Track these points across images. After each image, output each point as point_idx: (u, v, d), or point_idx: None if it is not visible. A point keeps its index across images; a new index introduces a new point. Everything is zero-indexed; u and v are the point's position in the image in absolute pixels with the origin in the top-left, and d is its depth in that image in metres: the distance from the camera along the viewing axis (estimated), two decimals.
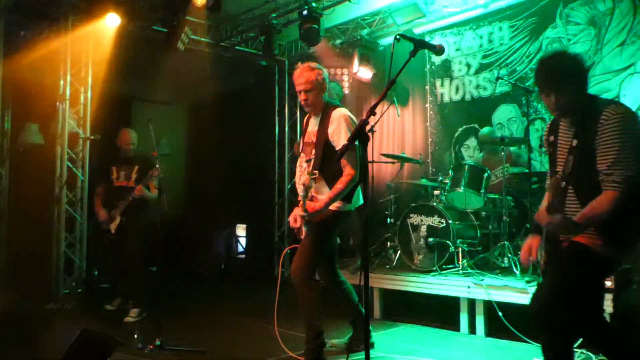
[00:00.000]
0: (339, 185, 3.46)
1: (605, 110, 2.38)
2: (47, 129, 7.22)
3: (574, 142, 2.46)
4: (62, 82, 6.33)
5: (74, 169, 6.38)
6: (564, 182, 2.46)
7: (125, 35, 6.59)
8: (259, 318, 5.06)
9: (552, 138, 2.65)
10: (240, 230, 9.10)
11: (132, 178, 5.43)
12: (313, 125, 3.75)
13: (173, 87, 9.73)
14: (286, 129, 8.41)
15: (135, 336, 4.02)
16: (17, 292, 5.97)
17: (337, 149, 3.46)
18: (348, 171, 3.48)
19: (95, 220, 5.71)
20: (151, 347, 3.79)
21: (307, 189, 3.44)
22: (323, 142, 3.56)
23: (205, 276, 8.01)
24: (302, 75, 3.63)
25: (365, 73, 7.13)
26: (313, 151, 3.62)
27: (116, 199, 5.42)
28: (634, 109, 5.29)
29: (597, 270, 2.50)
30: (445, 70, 6.95)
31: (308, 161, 3.66)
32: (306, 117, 3.90)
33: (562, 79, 2.46)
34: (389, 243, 5.91)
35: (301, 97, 3.66)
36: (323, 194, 3.56)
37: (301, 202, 3.49)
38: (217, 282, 7.61)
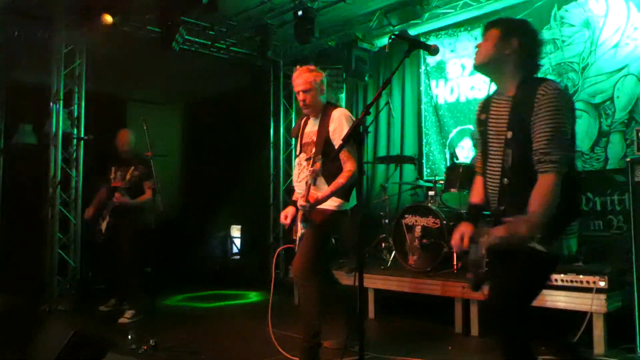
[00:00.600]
0: (341, 179, 3.47)
1: (542, 87, 2.19)
2: (41, 129, 7.20)
3: (509, 134, 2.26)
4: (55, 82, 6.30)
5: (68, 169, 6.35)
6: (506, 179, 2.28)
7: (120, 35, 6.57)
8: (254, 319, 5.05)
9: (483, 116, 2.44)
10: (235, 232, 9.09)
11: (126, 179, 5.42)
12: (312, 125, 3.75)
13: (168, 87, 9.72)
14: (281, 130, 8.41)
15: (129, 337, 4.01)
16: (10, 293, 5.94)
17: (337, 147, 3.46)
18: (349, 167, 3.48)
19: (87, 220, 5.70)
20: (145, 348, 3.78)
21: (315, 175, 3.37)
22: (324, 141, 3.56)
23: (200, 277, 7.99)
24: (300, 76, 3.64)
25: (360, 74, 7.14)
26: (313, 149, 3.62)
27: (110, 199, 5.42)
28: (627, 110, 5.37)
29: (545, 270, 2.37)
30: (440, 71, 6.97)
31: (308, 159, 3.66)
32: (303, 120, 3.89)
33: (514, 30, 2.33)
34: (383, 244, 5.91)
35: (300, 97, 3.66)
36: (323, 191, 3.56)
37: (303, 193, 3.47)
38: (211, 283, 7.59)
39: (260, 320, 4.91)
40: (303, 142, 3.79)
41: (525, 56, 2.33)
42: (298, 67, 3.72)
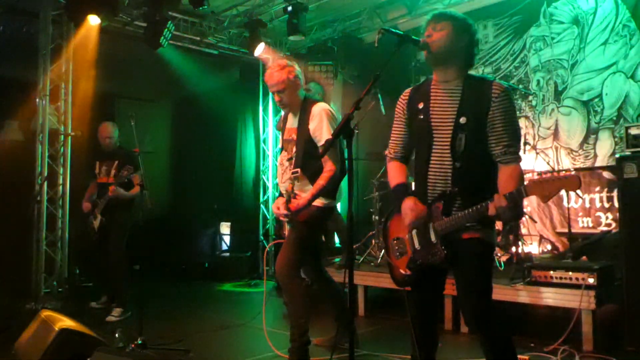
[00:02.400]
0: (321, 181, 3.42)
1: (494, 86, 2.36)
2: (27, 125, 7.10)
3: (462, 119, 2.36)
4: (42, 77, 6.22)
5: (54, 166, 6.28)
6: (458, 162, 2.37)
7: (108, 30, 6.50)
8: (244, 316, 5.03)
9: (421, 104, 2.50)
10: (225, 228, 9.04)
11: (111, 173, 5.36)
12: (292, 121, 3.67)
13: (157, 84, 9.65)
14: (271, 126, 8.37)
15: (117, 335, 3.96)
16: None
17: (319, 144, 3.42)
18: (329, 167, 3.43)
19: (80, 218, 5.64)
20: (133, 346, 3.74)
21: (288, 194, 3.42)
22: (304, 140, 3.50)
23: (189, 274, 7.95)
24: (272, 76, 3.54)
25: (349, 69, 7.12)
26: (294, 149, 3.57)
27: (98, 196, 5.36)
28: (616, 107, 5.40)
29: (493, 259, 2.57)
30: (429, 67, 6.95)
31: (290, 159, 3.60)
32: (283, 114, 3.82)
33: (467, 28, 2.45)
34: (373, 241, 5.89)
35: (275, 98, 3.60)
36: (306, 192, 3.51)
37: (284, 201, 3.45)
38: (201, 281, 7.56)
39: (251, 317, 4.90)
40: (284, 138, 3.73)
41: (471, 53, 2.48)
42: (269, 66, 3.63)
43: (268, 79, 3.57)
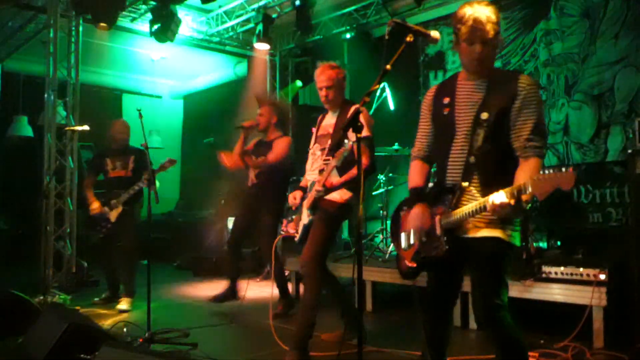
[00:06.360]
0: (354, 170, 3.50)
1: (522, 79, 2.31)
2: (35, 120, 7.13)
3: (484, 115, 2.32)
4: (50, 72, 6.23)
5: (62, 160, 6.29)
6: (473, 157, 2.33)
7: (114, 25, 6.50)
8: (252, 310, 5.02)
9: (447, 99, 2.47)
10: (231, 223, 9.03)
11: (129, 168, 5.44)
12: (329, 119, 3.85)
13: (164, 79, 9.66)
14: None
15: (125, 330, 3.96)
16: (5, 285, 5.90)
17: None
18: (364, 160, 3.49)
19: (86, 212, 5.65)
20: (141, 340, 3.74)
21: (343, 155, 3.33)
22: (340, 134, 3.57)
23: (197, 269, 7.95)
24: (324, 72, 3.75)
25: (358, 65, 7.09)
26: (328, 141, 3.70)
27: (115, 188, 5.38)
28: (627, 101, 5.33)
29: (511, 259, 2.41)
30: (439, 62, 6.91)
31: (322, 149, 3.73)
32: (320, 116, 3.99)
33: (493, 27, 2.28)
34: (381, 236, 5.87)
35: (322, 93, 3.77)
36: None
37: (320, 179, 3.51)
38: (208, 275, 7.56)
39: (258, 311, 4.89)
40: (319, 134, 3.88)
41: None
42: (320, 63, 3.83)
43: (319, 74, 3.77)
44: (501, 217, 2.24)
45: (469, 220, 2.32)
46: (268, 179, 4.97)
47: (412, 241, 2.53)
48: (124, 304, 5.19)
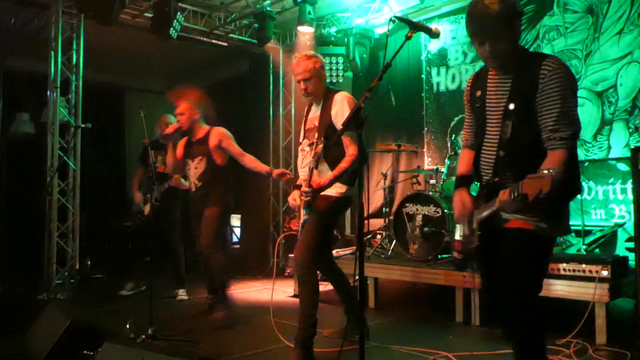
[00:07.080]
0: (343, 164, 3.45)
1: (546, 63, 2.15)
2: (38, 117, 7.13)
3: (511, 106, 2.22)
4: (52, 69, 6.23)
5: (65, 158, 6.30)
6: (502, 151, 2.24)
7: (118, 22, 6.49)
8: (254, 308, 5.03)
9: (479, 93, 2.38)
10: (235, 221, 9.04)
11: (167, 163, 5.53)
12: (314, 111, 3.74)
13: (166, 76, 9.65)
14: (280, 118, 8.35)
15: (127, 326, 3.96)
16: (9, 282, 5.92)
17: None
18: (352, 151, 3.45)
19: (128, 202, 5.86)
20: (143, 337, 3.74)
21: (317, 159, 3.34)
22: (326, 125, 3.54)
23: (199, 267, 7.96)
24: (299, 64, 3.63)
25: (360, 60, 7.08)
26: (316, 135, 3.60)
27: (154, 183, 5.38)
28: (631, 98, 5.31)
29: (547, 252, 2.32)
30: (441, 58, 6.89)
31: (311, 144, 3.62)
32: (307, 107, 3.88)
33: (498, 23, 2.15)
34: (384, 232, 5.87)
35: (301, 86, 3.66)
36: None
37: (306, 178, 3.44)
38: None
39: (261, 309, 4.90)
40: (306, 128, 3.77)
41: (519, 31, 2.26)
42: (296, 54, 3.70)
43: (295, 66, 3.65)
44: (512, 212, 2.17)
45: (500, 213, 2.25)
46: (212, 178, 4.81)
47: (459, 233, 2.46)
48: (126, 289, 5.64)
